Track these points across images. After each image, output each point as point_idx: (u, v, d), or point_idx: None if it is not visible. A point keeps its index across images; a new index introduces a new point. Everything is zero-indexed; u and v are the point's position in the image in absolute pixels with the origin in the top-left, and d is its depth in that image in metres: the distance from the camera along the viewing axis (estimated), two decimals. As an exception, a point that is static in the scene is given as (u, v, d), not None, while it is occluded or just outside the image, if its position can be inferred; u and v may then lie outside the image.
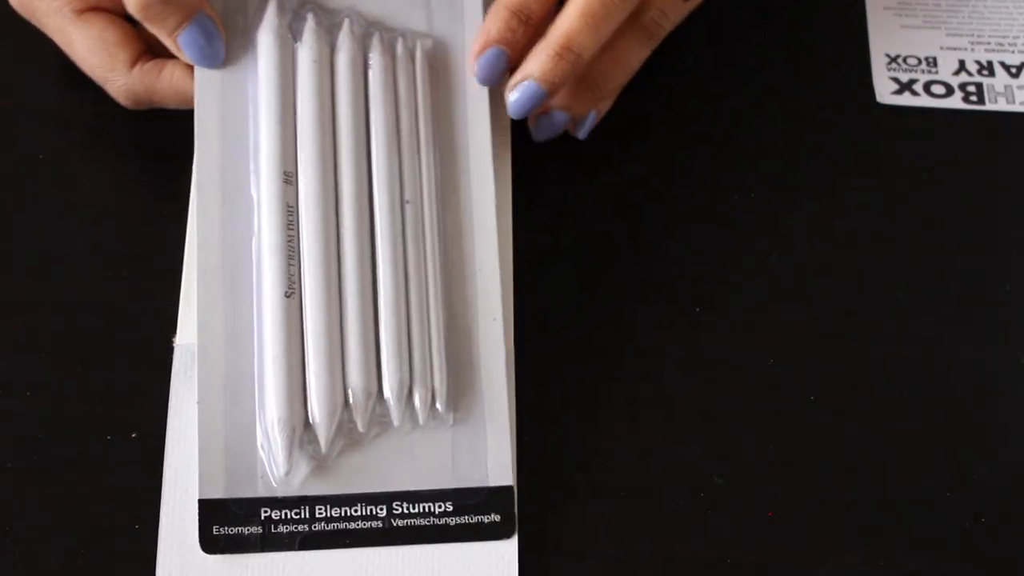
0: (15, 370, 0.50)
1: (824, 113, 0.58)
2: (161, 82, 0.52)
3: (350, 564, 0.46)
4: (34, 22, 0.54)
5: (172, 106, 0.53)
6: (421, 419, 0.48)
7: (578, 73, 0.51)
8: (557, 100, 0.53)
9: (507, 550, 0.47)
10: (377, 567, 0.46)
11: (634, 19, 0.53)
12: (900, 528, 0.49)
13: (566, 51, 0.50)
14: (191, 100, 0.52)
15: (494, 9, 0.51)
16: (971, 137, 0.58)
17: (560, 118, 0.53)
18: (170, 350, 0.50)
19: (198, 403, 0.47)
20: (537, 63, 0.51)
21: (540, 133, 0.54)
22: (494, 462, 0.48)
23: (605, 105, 0.55)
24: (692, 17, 0.58)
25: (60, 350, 0.51)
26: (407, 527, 0.47)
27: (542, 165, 0.55)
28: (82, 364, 0.51)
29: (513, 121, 0.54)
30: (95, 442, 0.49)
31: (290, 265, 0.48)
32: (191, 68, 0.52)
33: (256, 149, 0.50)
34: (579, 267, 0.54)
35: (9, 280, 0.52)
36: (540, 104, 0.51)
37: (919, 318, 0.53)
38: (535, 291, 0.52)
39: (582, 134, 0.55)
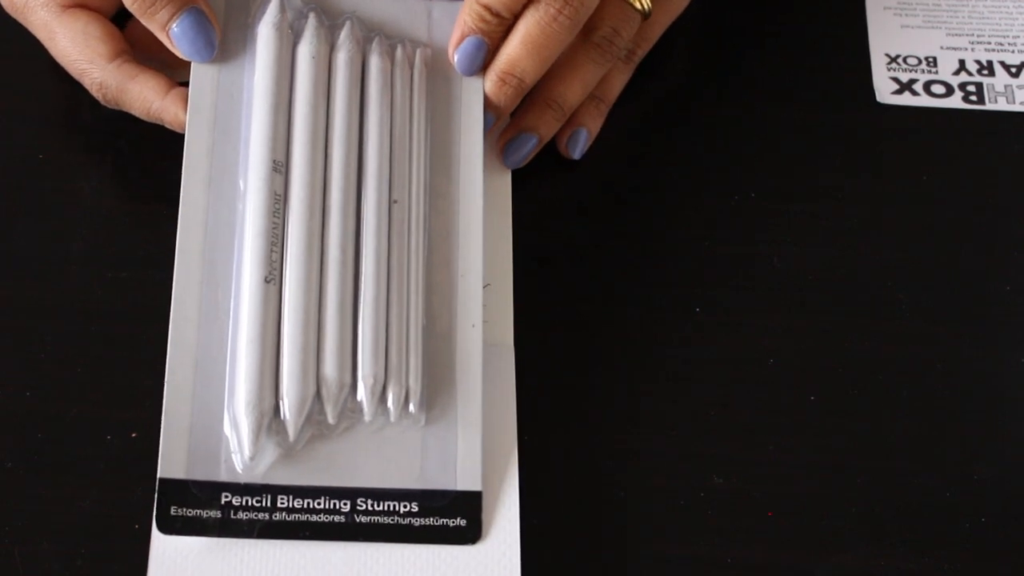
0: (15, 370, 0.50)
1: (824, 113, 0.58)
2: (134, 84, 0.52)
3: (353, 558, 0.46)
4: (19, 17, 0.54)
5: (136, 113, 0.53)
6: (393, 417, 0.48)
7: (521, 95, 0.53)
8: (522, 122, 0.54)
9: (509, 550, 0.47)
10: (379, 564, 0.46)
11: (587, 37, 0.54)
12: (900, 528, 0.49)
13: (509, 76, 0.52)
14: (154, 114, 0.52)
15: (467, 4, 0.52)
16: (971, 137, 0.58)
17: (528, 140, 0.54)
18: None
19: (166, 382, 0.47)
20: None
21: (511, 158, 0.54)
22: (464, 466, 0.47)
23: (595, 124, 0.56)
24: (692, 18, 0.58)
25: (60, 350, 0.51)
26: (370, 524, 0.46)
27: (543, 165, 0.55)
28: (82, 364, 0.51)
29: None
30: (95, 442, 0.49)
31: (272, 251, 0.48)
32: (165, 85, 0.52)
33: (247, 140, 0.50)
34: (579, 267, 0.54)
35: (9, 280, 0.52)
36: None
37: (919, 318, 0.53)
38: (535, 291, 0.52)
39: (577, 154, 0.56)
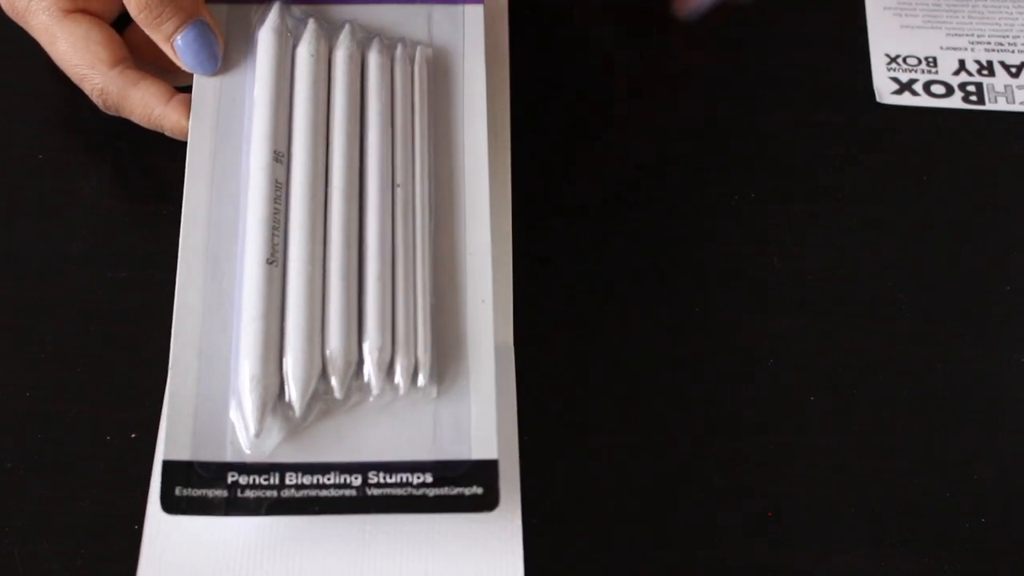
0: (15, 370, 0.50)
1: (824, 113, 0.58)
2: (135, 91, 0.52)
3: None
4: (20, 20, 0.54)
5: (136, 120, 0.53)
6: (402, 390, 0.47)
7: None
8: None
9: (512, 550, 0.46)
10: (378, 559, 0.46)
11: None
12: (900, 528, 0.49)
13: None
14: (155, 120, 0.52)
15: None
16: (971, 137, 0.58)
17: None
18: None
19: (170, 368, 0.47)
20: None
21: (690, 9, 0.53)
22: (478, 435, 0.47)
23: None
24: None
25: (60, 350, 0.51)
26: (383, 496, 0.45)
27: (543, 164, 0.55)
28: (82, 364, 0.51)
29: (513, 121, 0.54)
30: (95, 442, 0.49)
31: (274, 235, 0.48)
32: (166, 92, 0.52)
33: (249, 139, 0.50)
34: (579, 267, 0.54)
35: (9, 280, 0.52)
36: None
37: (919, 318, 0.53)
38: (535, 290, 0.52)
39: (695, 14, 0.55)
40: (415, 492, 0.46)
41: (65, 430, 0.49)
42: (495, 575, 0.46)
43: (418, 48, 0.53)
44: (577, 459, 0.50)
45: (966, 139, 0.58)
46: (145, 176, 0.55)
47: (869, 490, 0.49)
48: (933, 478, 0.50)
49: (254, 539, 0.46)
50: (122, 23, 0.54)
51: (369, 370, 0.47)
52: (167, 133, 0.52)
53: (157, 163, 0.55)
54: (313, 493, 0.46)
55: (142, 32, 0.53)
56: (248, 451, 0.46)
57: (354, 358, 0.47)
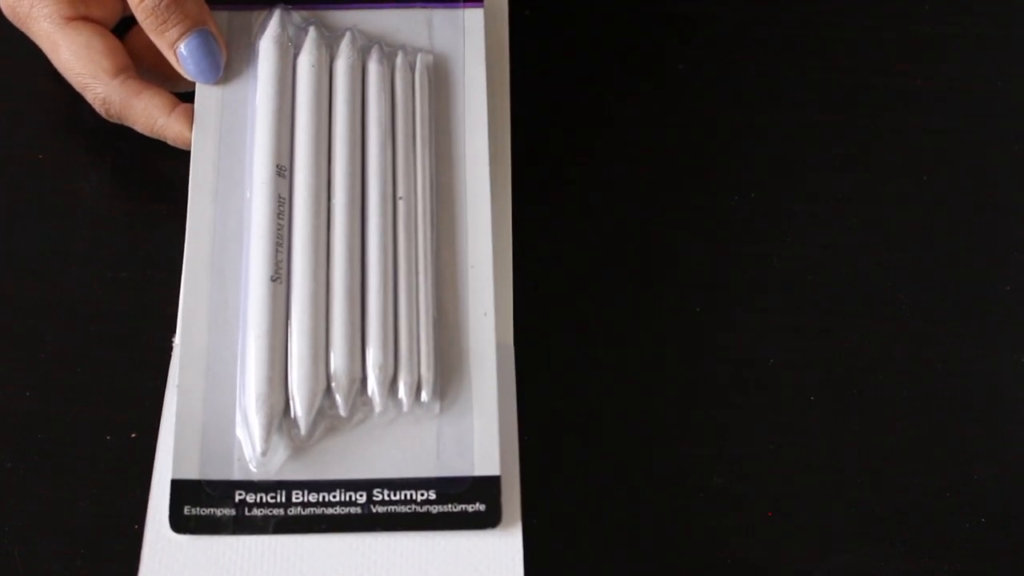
0: (15, 370, 0.50)
1: (824, 113, 0.58)
2: (138, 101, 0.52)
3: (346, 552, 0.46)
4: (22, 26, 0.54)
5: (139, 129, 0.53)
6: (406, 406, 0.48)
7: None
8: None
9: (512, 549, 0.46)
10: (377, 561, 0.46)
11: None
12: (900, 528, 0.49)
13: None
14: (158, 131, 0.52)
15: None
16: (972, 137, 0.58)
17: None
18: (170, 350, 0.50)
19: (177, 386, 0.47)
20: None
21: None
22: (481, 451, 0.47)
23: None
24: (691, 17, 0.58)
25: (60, 350, 0.51)
26: (387, 514, 0.46)
27: (543, 165, 0.55)
28: (82, 364, 0.51)
29: (513, 121, 0.54)
30: (95, 442, 0.49)
31: (278, 251, 0.49)
32: (169, 102, 0.52)
33: (252, 151, 0.51)
34: (579, 266, 0.54)
35: (9, 280, 0.52)
36: None
37: (919, 318, 0.53)
38: (535, 290, 0.52)
39: None
40: (419, 509, 0.46)
41: (65, 430, 0.49)
42: (496, 571, 0.46)
43: (418, 55, 0.53)
44: (577, 458, 0.50)
45: (967, 139, 0.58)
46: (145, 176, 0.55)
47: (869, 490, 0.49)
48: (933, 478, 0.50)
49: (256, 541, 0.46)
50: (123, 27, 0.54)
51: (372, 387, 0.48)
52: (170, 143, 0.52)
53: (157, 163, 0.55)
54: (319, 511, 0.46)
55: (143, 38, 0.53)
56: (255, 469, 0.46)
57: (358, 375, 0.48)
